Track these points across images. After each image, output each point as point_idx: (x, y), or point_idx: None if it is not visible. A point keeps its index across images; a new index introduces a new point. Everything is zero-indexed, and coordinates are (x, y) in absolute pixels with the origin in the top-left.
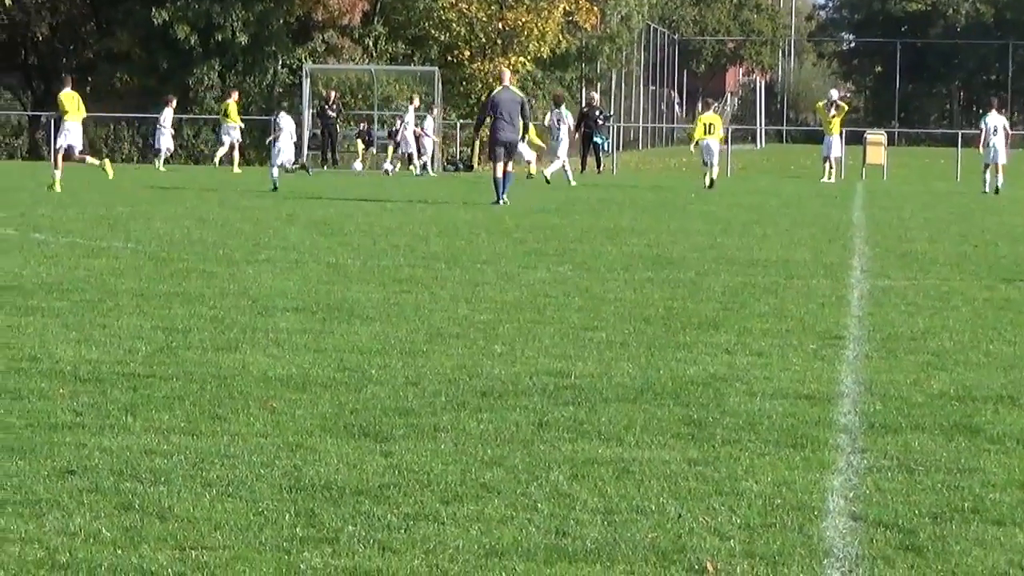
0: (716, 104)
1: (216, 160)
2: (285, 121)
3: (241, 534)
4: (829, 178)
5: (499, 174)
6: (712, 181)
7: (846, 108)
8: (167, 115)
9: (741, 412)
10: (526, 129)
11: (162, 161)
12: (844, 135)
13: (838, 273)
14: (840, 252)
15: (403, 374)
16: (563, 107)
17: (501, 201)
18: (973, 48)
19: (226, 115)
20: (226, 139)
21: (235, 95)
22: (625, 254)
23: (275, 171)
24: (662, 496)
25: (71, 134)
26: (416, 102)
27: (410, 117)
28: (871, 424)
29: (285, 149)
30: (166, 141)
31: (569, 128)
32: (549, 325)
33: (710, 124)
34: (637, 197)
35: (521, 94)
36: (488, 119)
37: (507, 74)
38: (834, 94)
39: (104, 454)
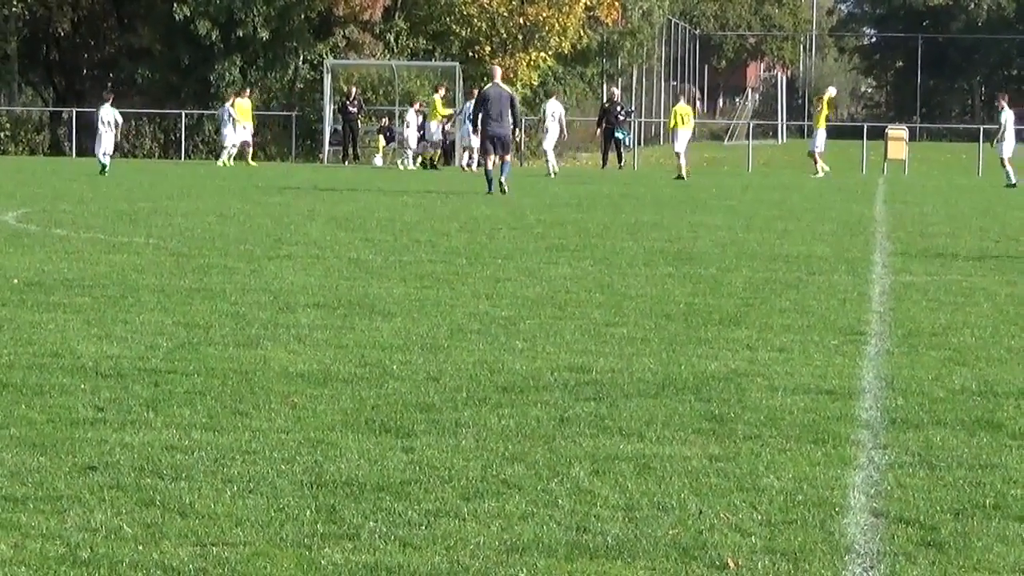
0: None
1: (379, 161)
2: (103, 112)
3: (262, 530)
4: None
5: (490, 166)
6: (681, 173)
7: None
8: (228, 109)
9: (762, 408)
10: (516, 123)
11: (227, 157)
12: (864, 130)
13: (859, 268)
14: (862, 247)
15: (424, 370)
16: (552, 99)
17: (494, 191)
18: (995, 43)
19: (434, 111)
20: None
21: (440, 92)
22: (646, 250)
23: (106, 157)
24: (683, 492)
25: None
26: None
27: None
28: (892, 420)
29: (106, 139)
30: (232, 135)
31: (561, 121)
32: (570, 321)
33: (683, 115)
34: (658, 192)
35: (510, 90)
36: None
37: (498, 71)
38: (832, 91)
39: (125, 450)
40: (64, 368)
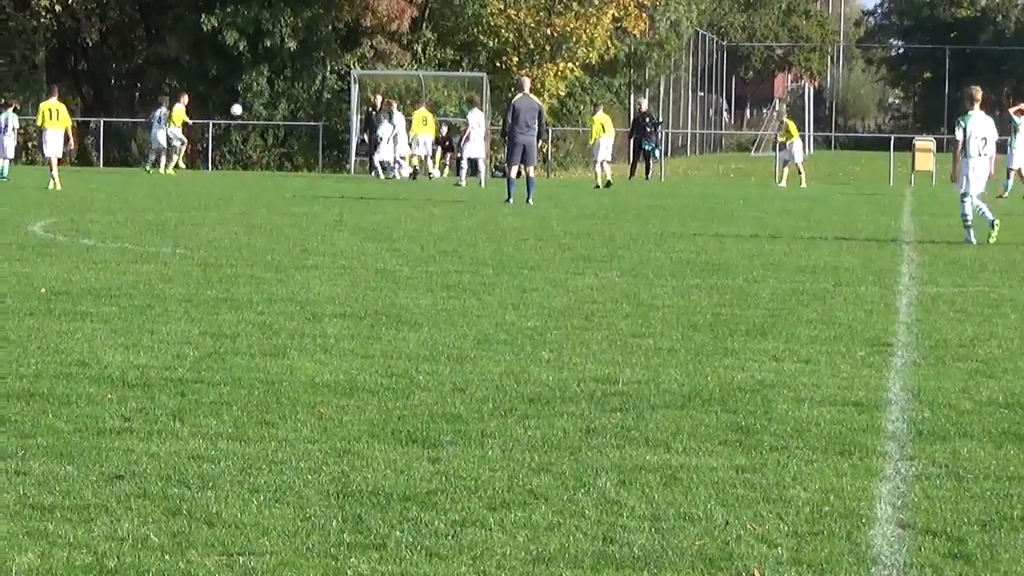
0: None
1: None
2: (9, 118)
3: (288, 540)
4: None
5: (513, 175)
6: (609, 181)
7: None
8: (159, 113)
9: (789, 419)
10: (540, 133)
11: (151, 163)
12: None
13: (886, 279)
14: (889, 258)
15: (451, 380)
16: (475, 110)
17: (512, 200)
18: (1023, 54)
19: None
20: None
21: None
22: (673, 260)
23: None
24: (709, 503)
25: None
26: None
27: (477, 118)
28: (919, 431)
29: (8, 143)
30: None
31: (483, 128)
32: (597, 331)
33: (603, 123)
34: (685, 203)
35: (539, 101)
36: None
37: (527, 82)
38: None
39: (152, 459)
40: (91, 378)
